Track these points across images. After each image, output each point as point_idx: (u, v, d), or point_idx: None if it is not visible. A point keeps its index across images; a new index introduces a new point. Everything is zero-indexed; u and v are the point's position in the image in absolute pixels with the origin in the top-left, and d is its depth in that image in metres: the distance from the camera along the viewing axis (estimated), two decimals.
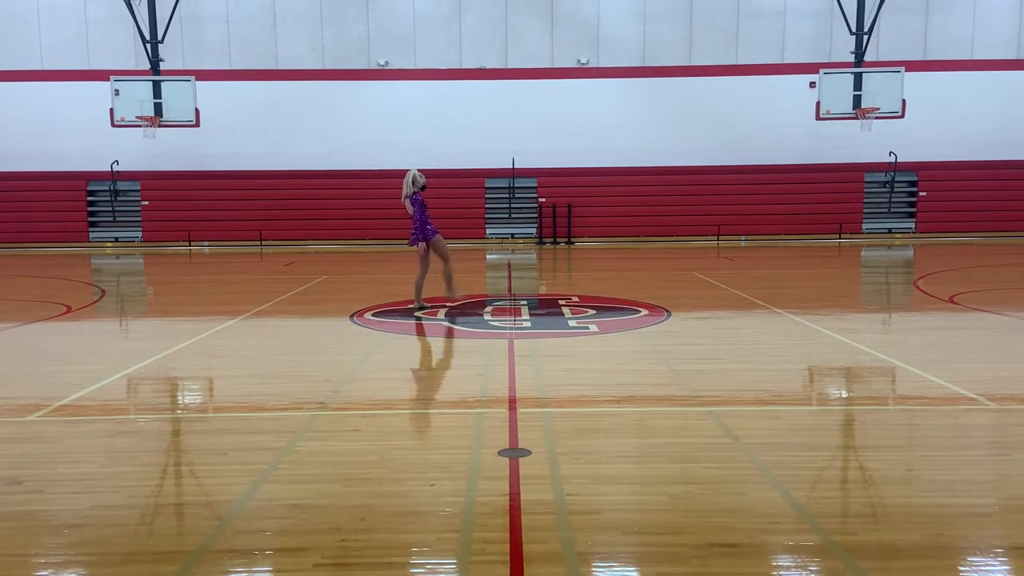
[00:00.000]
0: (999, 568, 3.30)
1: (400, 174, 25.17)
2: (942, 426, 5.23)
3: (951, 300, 10.87)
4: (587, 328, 8.88)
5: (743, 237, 23.98)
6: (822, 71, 21.44)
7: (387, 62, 24.15)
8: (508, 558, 3.32)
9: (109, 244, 24.23)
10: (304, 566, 3.28)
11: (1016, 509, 3.85)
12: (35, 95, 23.65)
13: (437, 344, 8.51)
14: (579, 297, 11.51)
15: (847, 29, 21.97)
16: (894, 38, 23.65)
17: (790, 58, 23.89)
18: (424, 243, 10.07)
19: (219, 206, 24.16)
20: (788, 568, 3.29)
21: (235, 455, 4.68)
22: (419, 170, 10.32)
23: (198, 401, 6.39)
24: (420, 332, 9.04)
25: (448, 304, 10.53)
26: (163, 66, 22.10)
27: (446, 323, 9.41)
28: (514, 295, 12.08)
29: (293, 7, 23.94)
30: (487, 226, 24.53)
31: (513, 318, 9.65)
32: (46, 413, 5.58)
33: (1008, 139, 23.97)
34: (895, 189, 24.29)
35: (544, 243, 23.80)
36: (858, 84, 21.22)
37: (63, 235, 24.02)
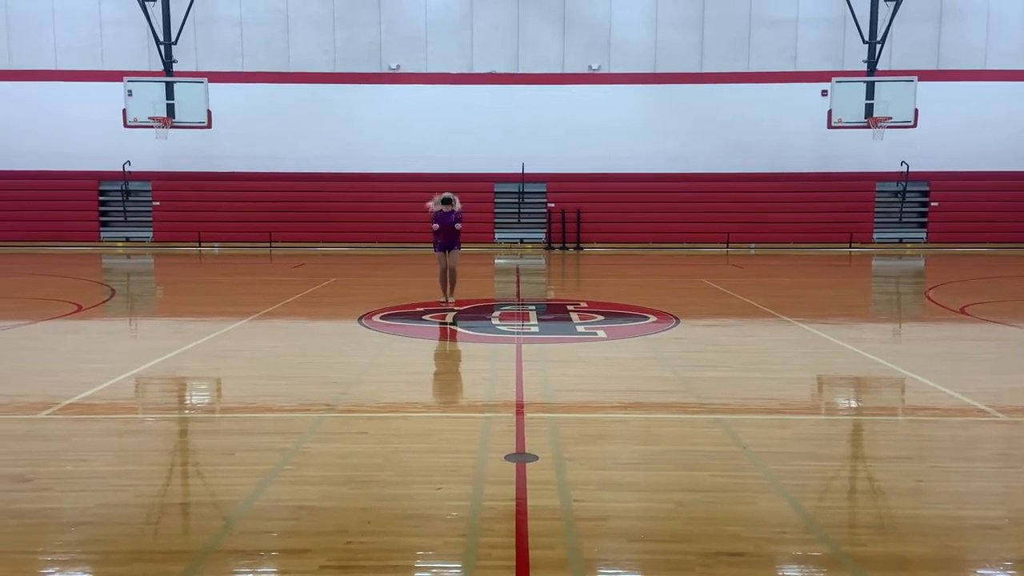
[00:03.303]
0: None
1: (409, 177, 25.19)
2: (951, 437, 5.19)
3: (962, 311, 10.81)
4: (595, 334, 8.86)
5: (752, 245, 23.91)
6: (834, 79, 21.37)
7: (398, 66, 24.21)
8: (514, 563, 3.31)
9: (120, 244, 24.33)
10: (310, 568, 3.28)
11: None
12: (49, 95, 23.78)
13: (445, 348, 8.51)
14: (587, 303, 11.49)
15: (860, 38, 21.90)
16: (907, 47, 23.56)
17: (802, 66, 23.83)
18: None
19: (229, 207, 24.24)
20: None
21: (242, 456, 4.68)
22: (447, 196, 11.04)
23: (206, 401, 6.41)
24: (428, 336, 9.04)
25: (458, 308, 10.63)
26: (176, 68, 22.20)
27: (454, 327, 9.41)
28: (522, 300, 12.08)
29: (305, 10, 24.04)
30: (496, 231, 24.53)
31: (521, 323, 9.65)
32: (55, 411, 5.61)
33: (1020, 149, 23.83)
34: (906, 199, 24.18)
35: (553, 248, 23.78)
36: (870, 93, 21.15)
37: (74, 234, 24.14)
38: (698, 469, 4.45)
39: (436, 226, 10.73)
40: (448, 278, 10.95)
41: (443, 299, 10.96)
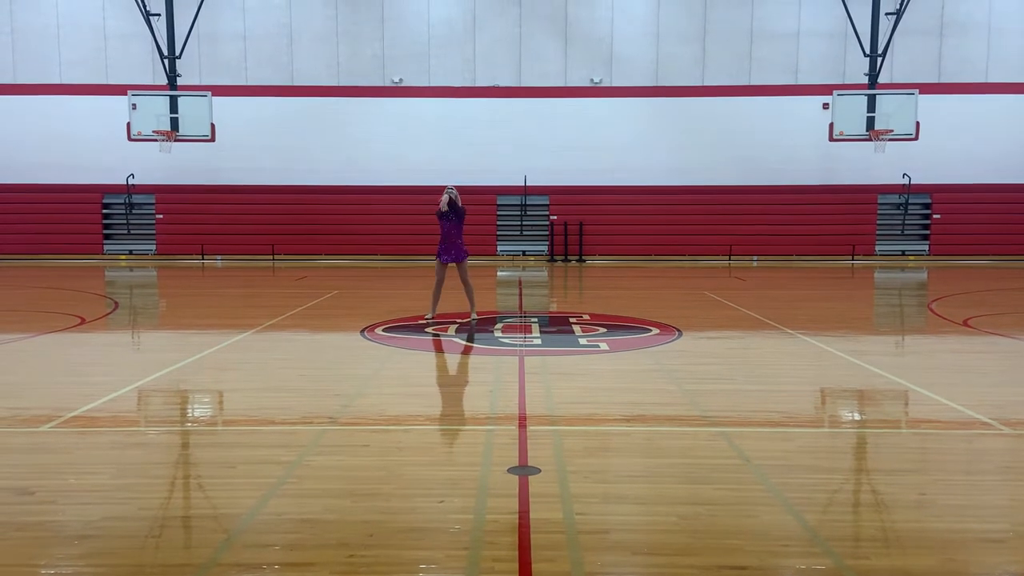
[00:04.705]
0: None
1: (412, 190, 25.17)
2: (955, 450, 5.19)
3: (965, 323, 10.80)
4: (598, 346, 8.86)
5: (755, 257, 23.92)
6: (836, 92, 21.43)
7: (401, 79, 24.32)
8: None
9: (123, 256, 24.39)
10: None
11: None
12: (54, 108, 23.91)
13: (447, 360, 8.51)
14: (590, 315, 11.50)
15: (861, 51, 21.98)
16: (908, 60, 23.64)
17: (803, 79, 23.91)
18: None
19: (233, 220, 24.31)
20: None
21: (244, 468, 4.68)
22: (453, 188, 10.89)
23: (208, 414, 6.41)
24: (430, 348, 9.05)
25: (460, 320, 10.62)
26: (180, 81, 22.33)
27: (457, 339, 9.42)
28: (525, 312, 12.08)
29: (309, 24, 24.18)
30: (499, 243, 24.57)
31: (524, 335, 9.65)
32: (58, 424, 5.61)
33: (1022, 162, 23.87)
34: (908, 211, 24.21)
35: (555, 261, 23.81)
36: (872, 106, 21.20)
37: (78, 247, 24.21)
38: (701, 482, 4.44)
39: (445, 203, 10.60)
40: (465, 292, 10.84)
41: (429, 315, 10.74)
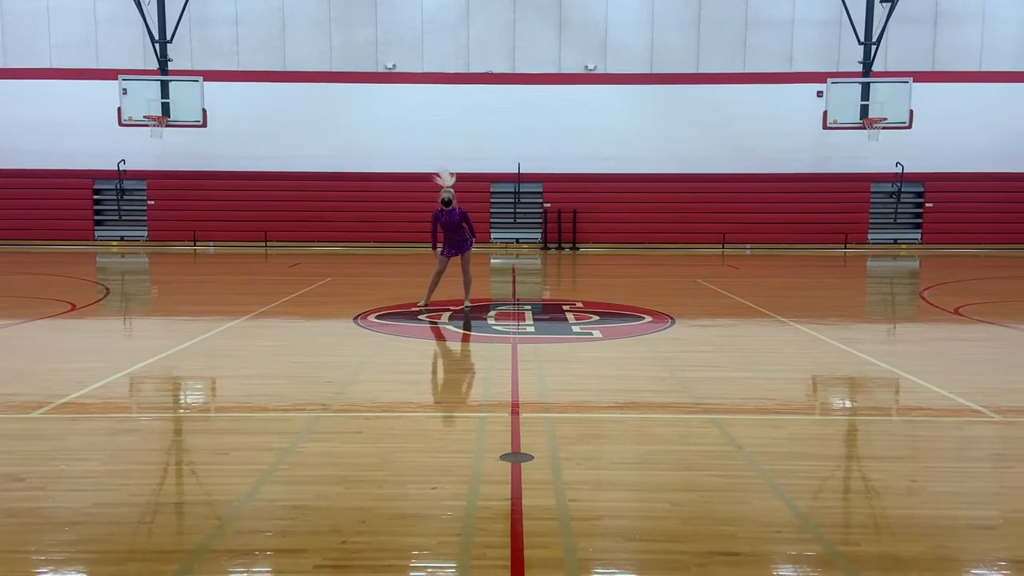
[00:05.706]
0: None
1: (405, 176, 25.06)
2: (946, 437, 5.21)
3: (956, 311, 10.83)
4: (591, 334, 8.87)
5: (748, 245, 23.94)
6: (830, 80, 21.41)
7: (395, 65, 24.18)
8: (509, 563, 3.31)
9: (115, 243, 24.27)
10: (304, 567, 3.28)
11: (1020, 522, 3.83)
12: (43, 93, 23.69)
13: (440, 347, 8.50)
14: (583, 303, 11.49)
15: (855, 39, 21.94)
16: (902, 49, 23.61)
17: (798, 67, 23.86)
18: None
19: (225, 206, 24.20)
20: None
21: (237, 455, 4.68)
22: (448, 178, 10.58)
23: (200, 400, 6.39)
24: (423, 335, 9.04)
25: (453, 308, 10.60)
26: (171, 66, 22.15)
27: (450, 327, 9.41)
28: (518, 300, 12.08)
29: (302, 10, 23.99)
30: (492, 230, 24.52)
31: (517, 323, 9.64)
32: (49, 410, 5.59)
33: (1015, 151, 23.89)
34: (901, 199, 24.24)
35: (549, 248, 23.79)
36: (865, 94, 21.19)
37: (69, 233, 24.06)
38: (693, 469, 4.45)
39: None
40: (463, 281, 10.77)
41: (422, 302, 10.68)
